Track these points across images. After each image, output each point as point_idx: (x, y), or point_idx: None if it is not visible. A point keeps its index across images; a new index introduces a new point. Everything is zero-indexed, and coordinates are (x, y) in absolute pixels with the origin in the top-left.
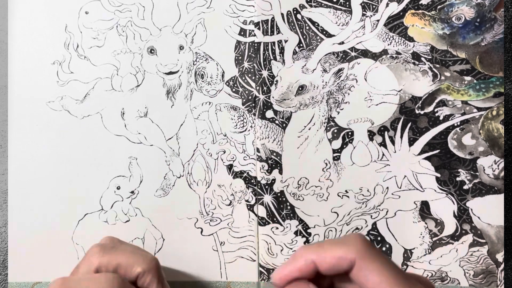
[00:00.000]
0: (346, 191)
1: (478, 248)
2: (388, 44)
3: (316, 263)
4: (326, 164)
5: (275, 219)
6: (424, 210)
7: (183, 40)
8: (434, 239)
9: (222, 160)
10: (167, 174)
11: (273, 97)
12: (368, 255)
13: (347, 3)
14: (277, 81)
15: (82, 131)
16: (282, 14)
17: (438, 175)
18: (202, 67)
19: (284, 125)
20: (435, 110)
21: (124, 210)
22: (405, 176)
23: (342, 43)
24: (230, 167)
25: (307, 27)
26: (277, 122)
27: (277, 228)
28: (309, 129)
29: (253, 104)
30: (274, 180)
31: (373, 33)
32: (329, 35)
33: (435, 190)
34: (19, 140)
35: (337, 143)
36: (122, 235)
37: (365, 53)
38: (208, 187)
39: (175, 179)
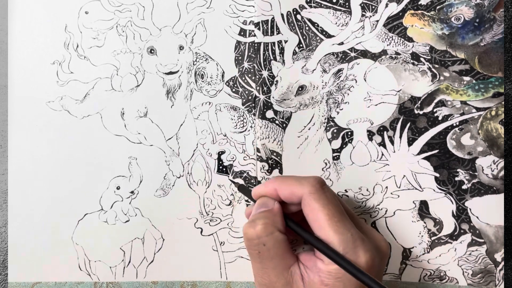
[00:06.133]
0: (345, 190)
1: (477, 248)
2: (388, 45)
3: (277, 191)
4: (326, 163)
5: None
6: (423, 209)
7: (183, 40)
8: (433, 238)
9: (222, 160)
10: (167, 174)
11: (273, 97)
12: (314, 195)
13: (347, 3)
14: (277, 81)
15: (82, 131)
16: (282, 15)
17: (437, 174)
18: (202, 67)
19: (284, 125)
20: (434, 110)
21: (124, 210)
22: (404, 175)
23: (342, 43)
24: (230, 167)
25: (307, 28)
26: (277, 122)
27: None
28: (309, 129)
29: (253, 104)
30: None
31: (372, 34)
32: (329, 36)
33: (434, 190)
34: (19, 140)
35: (337, 143)
36: (122, 235)
37: (364, 54)
38: (208, 187)
39: (175, 179)
